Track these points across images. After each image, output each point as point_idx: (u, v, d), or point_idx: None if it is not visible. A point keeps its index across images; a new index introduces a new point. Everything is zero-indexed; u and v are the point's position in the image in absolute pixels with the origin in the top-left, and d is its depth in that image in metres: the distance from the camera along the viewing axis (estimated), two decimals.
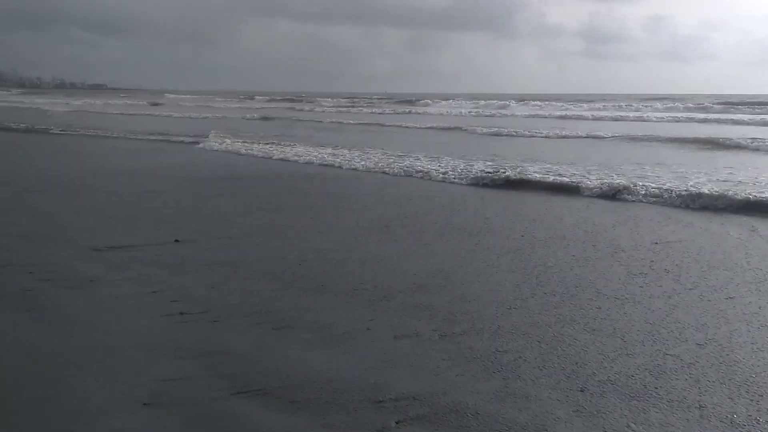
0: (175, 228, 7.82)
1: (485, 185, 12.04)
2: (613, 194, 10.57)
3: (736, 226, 8.28)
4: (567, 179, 11.85)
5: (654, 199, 10.10)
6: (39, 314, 4.90)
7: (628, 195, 10.45)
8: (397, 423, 3.35)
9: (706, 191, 9.98)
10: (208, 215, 8.98)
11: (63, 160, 16.64)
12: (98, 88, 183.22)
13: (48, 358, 4.14)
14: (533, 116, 39.62)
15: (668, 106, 47.38)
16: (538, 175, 12.34)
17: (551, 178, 12.06)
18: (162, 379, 3.81)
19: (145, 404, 3.49)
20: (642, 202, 10.10)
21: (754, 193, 9.70)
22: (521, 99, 64.30)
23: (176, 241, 7.13)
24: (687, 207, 9.56)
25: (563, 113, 41.04)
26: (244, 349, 4.28)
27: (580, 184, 11.22)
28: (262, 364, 4.05)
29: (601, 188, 10.84)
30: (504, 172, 12.49)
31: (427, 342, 4.45)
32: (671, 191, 10.22)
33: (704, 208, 9.39)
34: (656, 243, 7.33)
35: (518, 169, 12.83)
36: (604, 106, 49.32)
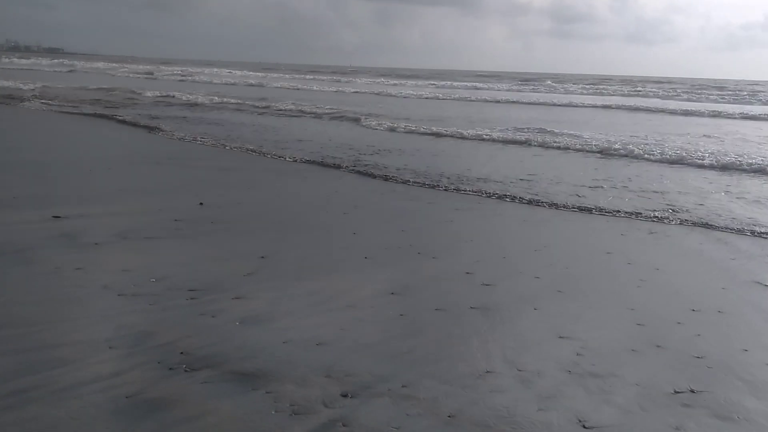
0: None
1: None
2: None
3: None
4: None
5: None
6: None
7: None
8: (344, 396, 3.43)
9: None
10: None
11: None
12: (54, 52, 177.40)
13: None
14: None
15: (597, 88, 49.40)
16: None
17: None
18: (113, 356, 3.81)
19: (95, 386, 3.47)
20: None
21: None
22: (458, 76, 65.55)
23: None
24: None
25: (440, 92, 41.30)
26: (190, 324, 4.27)
27: None
28: (211, 339, 4.05)
29: None
30: None
31: (380, 320, 4.53)
32: None
33: None
34: None
35: None
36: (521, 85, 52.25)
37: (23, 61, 79.13)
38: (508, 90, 46.70)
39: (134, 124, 17.01)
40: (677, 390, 3.65)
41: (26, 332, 3.98)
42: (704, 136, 18.16)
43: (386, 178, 10.30)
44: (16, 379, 3.41)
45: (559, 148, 14.71)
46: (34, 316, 4.23)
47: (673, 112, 27.88)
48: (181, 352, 3.82)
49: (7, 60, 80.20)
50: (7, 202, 7.34)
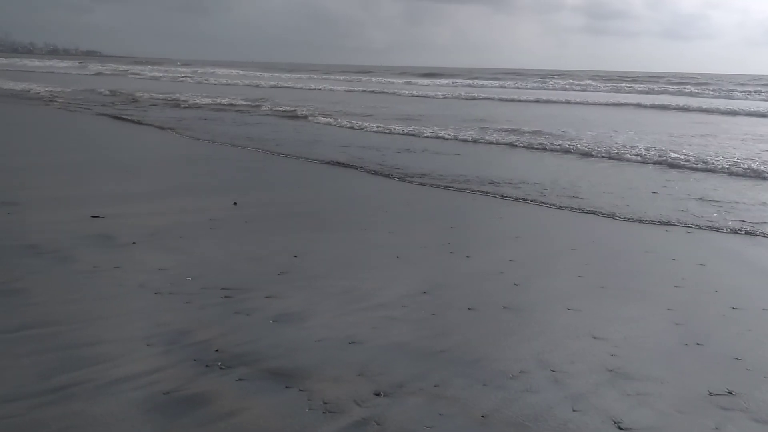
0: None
1: None
2: None
3: None
4: None
5: None
6: None
7: None
8: (377, 394, 3.44)
9: None
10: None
11: None
12: (92, 55, 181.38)
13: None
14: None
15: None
16: None
17: None
18: (150, 353, 3.89)
19: (133, 383, 3.54)
20: None
21: None
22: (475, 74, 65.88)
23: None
24: None
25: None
26: (225, 322, 4.33)
27: None
28: (246, 337, 4.11)
29: None
30: None
31: (412, 319, 4.54)
32: None
33: None
34: None
35: None
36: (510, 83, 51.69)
37: (39, 63, 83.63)
38: (539, 88, 45.88)
39: (161, 127, 17.21)
40: (715, 392, 3.59)
41: (66, 330, 4.08)
42: (753, 137, 17.52)
43: (410, 181, 10.31)
44: (57, 376, 3.49)
45: (605, 157, 13.75)
46: (74, 314, 4.33)
47: (720, 112, 26.44)
48: (217, 350, 3.88)
49: (27, 62, 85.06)
50: (45, 202, 7.51)
